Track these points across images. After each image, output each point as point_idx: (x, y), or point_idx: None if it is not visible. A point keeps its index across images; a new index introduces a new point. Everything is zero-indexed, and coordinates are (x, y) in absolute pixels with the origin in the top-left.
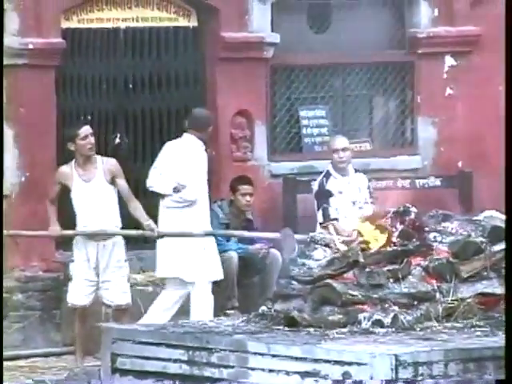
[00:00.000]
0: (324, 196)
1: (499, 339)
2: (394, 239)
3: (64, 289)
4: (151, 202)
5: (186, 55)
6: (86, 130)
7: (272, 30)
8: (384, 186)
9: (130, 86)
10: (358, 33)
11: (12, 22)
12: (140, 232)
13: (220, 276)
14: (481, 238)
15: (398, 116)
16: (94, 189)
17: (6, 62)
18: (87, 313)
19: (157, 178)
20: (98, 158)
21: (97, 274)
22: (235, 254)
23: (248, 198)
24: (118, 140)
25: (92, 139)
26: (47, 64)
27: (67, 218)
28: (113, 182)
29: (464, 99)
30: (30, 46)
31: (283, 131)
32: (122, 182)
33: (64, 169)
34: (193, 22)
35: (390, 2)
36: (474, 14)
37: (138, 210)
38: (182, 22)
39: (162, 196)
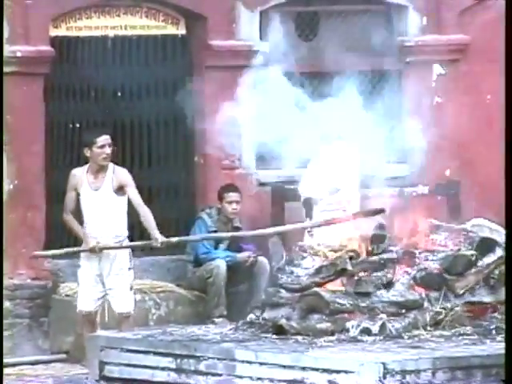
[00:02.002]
0: (312, 204)
1: (487, 347)
2: (369, 247)
3: (52, 297)
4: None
5: (175, 63)
6: (104, 139)
7: (260, 38)
8: (371, 193)
9: (119, 93)
10: (346, 41)
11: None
12: (145, 242)
13: None
14: (471, 251)
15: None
16: (102, 198)
17: None
18: (95, 318)
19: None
20: (110, 166)
21: (102, 282)
22: (223, 262)
23: (234, 205)
24: None
25: (108, 149)
26: (36, 72)
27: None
28: (121, 191)
29: (452, 107)
30: (19, 54)
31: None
32: (131, 191)
33: (76, 172)
34: (181, 30)
35: (379, 10)
36: (463, 22)
37: (147, 218)
38: (171, 30)
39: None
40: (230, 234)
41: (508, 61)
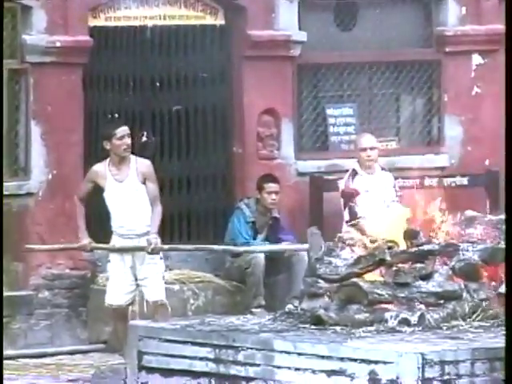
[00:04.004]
0: (350, 194)
1: None
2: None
3: (91, 287)
4: (178, 198)
5: (213, 53)
6: (123, 130)
7: (299, 28)
8: (411, 184)
9: (157, 84)
10: (385, 31)
11: (40, 20)
12: (137, 246)
13: None
14: None
15: (424, 114)
16: (127, 189)
17: (33, 59)
18: (126, 312)
19: None
20: (133, 157)
21: (134, 274)
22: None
23: (274, 196)
24: (144, 138)
25: (128, 140)
26: (74, 62)
27: (100, 217)
28: (145, 181)
29: (491, 98)
30: (58, 44)
31: (310, 129)
32: (151, 185)
33: (98, 167)
34: (220, 21)
35: (418, 0)
36: (502, 12)
37: (155, 217)
38: (209, 21)
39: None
40: (221, 248)
41: (508, 60)
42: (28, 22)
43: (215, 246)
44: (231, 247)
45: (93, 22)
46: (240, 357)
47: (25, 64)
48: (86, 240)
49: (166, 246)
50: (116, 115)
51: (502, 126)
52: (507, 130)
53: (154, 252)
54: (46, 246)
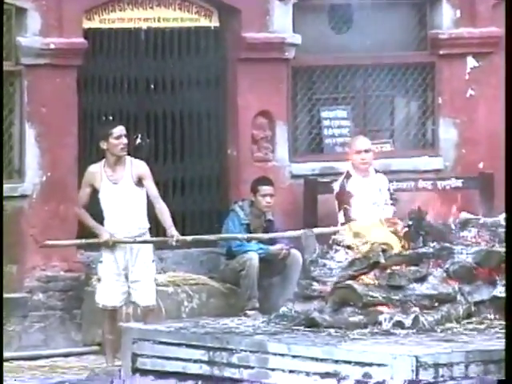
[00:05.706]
0: (345, 197)
1: None
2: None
3: (85, 289)
4: (172, 201)
5: (207, 56)
6: (120, 129)
7: (293, 31)
8: (405, 187)
9: (152, 86)
10: (380, 33)
11: (34, 21)
12: (160, 239)
13: None
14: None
15: (419, 117)
16: (122, 191)
17: (27, 61)
18: (117, 314)
19: None
20: (128, 159)
21: (126, 275)
22: (256, 254)
23: (268, 198)
24: (138, 140)
25: (125, 140)
26: (69, 64)
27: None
28: (140, 183)
29: (485, 100)
30: (52, 46)
31: (304, 132)
32: (149, 184)
33: (93, 168)
34: (214, 23)
35: (412, 2)
36: (496, 15)
37: (163, 213)
38: (204, 23)
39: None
40: (245, 236)
41: (508, 61)
42: (22, 23)
43: (239, 235)
44: (257, 235)
45: (87, 24)
46: (234, 359)
47: (19, 66)
48: (106, 235)
49: (190, 238)
50: (110, 117)
51: (496, 128)
52: (507, 129)
53: (178, 244)
54: (68, 241)
